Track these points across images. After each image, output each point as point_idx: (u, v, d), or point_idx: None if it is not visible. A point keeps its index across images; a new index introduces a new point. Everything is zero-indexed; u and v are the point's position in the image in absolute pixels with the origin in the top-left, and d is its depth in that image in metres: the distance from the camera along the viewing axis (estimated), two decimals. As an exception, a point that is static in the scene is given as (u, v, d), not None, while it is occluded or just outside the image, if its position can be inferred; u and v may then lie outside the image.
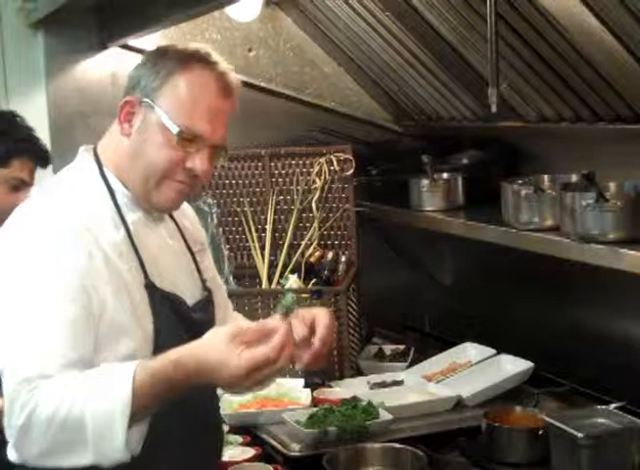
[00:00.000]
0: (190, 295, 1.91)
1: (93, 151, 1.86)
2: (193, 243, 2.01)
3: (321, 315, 1.81)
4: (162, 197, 1.83)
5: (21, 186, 2.50)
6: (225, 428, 2.52)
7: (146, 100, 1.78)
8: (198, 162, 1.80)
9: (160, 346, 1.74)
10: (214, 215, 3.17)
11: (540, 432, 2.20)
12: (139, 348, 1.74)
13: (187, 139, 1.78)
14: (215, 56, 1.84)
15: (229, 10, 3.35)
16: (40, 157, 2.60)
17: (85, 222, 1.73)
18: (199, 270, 1.98)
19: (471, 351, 2.91)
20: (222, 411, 2.53)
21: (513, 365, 2.73)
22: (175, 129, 1.76)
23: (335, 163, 3.16)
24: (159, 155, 1.79)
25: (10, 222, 1.77)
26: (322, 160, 3.16)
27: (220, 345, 1.60)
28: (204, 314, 1.94)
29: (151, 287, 1.79)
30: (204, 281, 1.97)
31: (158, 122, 1.78)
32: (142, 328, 1.76)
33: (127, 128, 1.81)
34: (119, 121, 1.81)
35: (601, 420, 2.13)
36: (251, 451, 2.37)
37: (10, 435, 1.64)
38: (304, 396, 2.65)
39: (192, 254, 1.98)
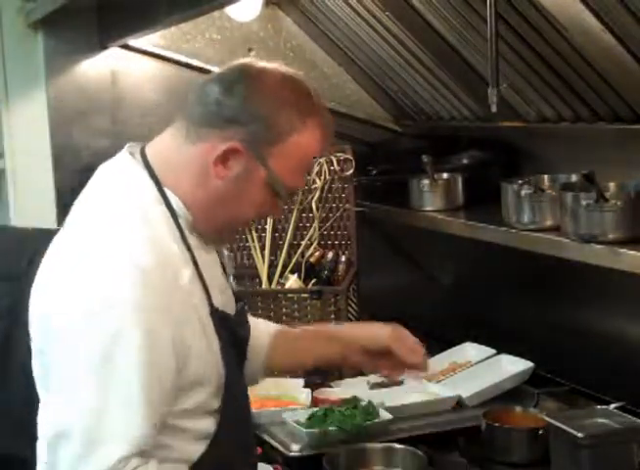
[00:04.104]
0: (230, 307, 1.80)
1: (143, 159, 1.67)
2: None
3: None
4: (232, 238, 1.79)
5: None
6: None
7: (255, 153, 1.61)
8: (279, 209, 1.75)
9: (228, 379, 1.67)
10: (214, 215, 3.16)
11: (540, 432, 2.20)
12: (213, 391, 1.65)
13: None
14: (319, 95, 1.71)
15: (229, 10, 3.35)
16: None
17: (162, 262, 1.55)
18: (225, 272, 1.85)
19: (471, 351, 2.91)
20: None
21: (513, 365, 2.72)
22: (284, 193, 1.67)
23: (335, 163, 3.16)
24: (251, 210, 1.69)
25: (74, 251, 1.57)
26: (322, 160, 3.16)
27: None
28: (245, 329, 1.86)
29: (214, 313, 1.67)
30: (231, 285, 1.87)
31: (262, 181, 1.64)
32: (217, 365, 1.66)
33: (222, 171, 1.63)
34: (215, 161, 1.62)
35: (601, 420, 2.13)
36: (251, 451, 2.37)
37: None
38: (304, 396, 2.65)
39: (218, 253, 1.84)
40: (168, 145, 1.68)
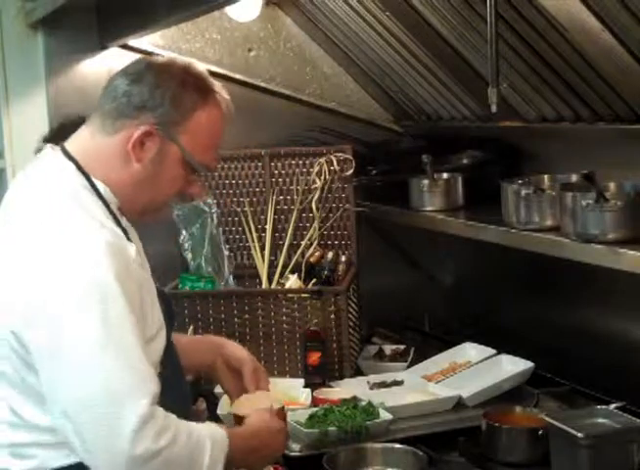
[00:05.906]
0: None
1: (65, 155, 1.79)
2: None
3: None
4: (156, 218, 1.90)
5: None
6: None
7: (166, 133, 1.77)
8: (200, 190, 1.89)
9: (167, 342, 1.81)
10: (214, 215, 3.17)
11: (540, 432, 2.20)
12: (162, 350, 1.79)
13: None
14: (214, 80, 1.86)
15: (229, 10, 3.35)
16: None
17: (114, 234, 1.70)
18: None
19: (471, 351, 2.91)
20: (221, 411, 2.53)
21: (513, 365, 2.72)
22: (200, 169, 1.82)
23: (335, 163, 3.16)
24: (171, 188, 1.83)
25: (32, 235, 1.68)
26: (322, 160, 3.16)
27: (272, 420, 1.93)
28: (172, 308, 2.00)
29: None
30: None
31: (177, 158, 1.79)
32: (163, 327, 1.80)
33: (140, 154, 1.78)
34: (132, 146, 1.77)
35: (601, 420, 2.13)
36: (251, 451, 2.36)
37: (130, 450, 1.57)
38: (304, 396, 2.65)
39: None
40: (86, 139, 1.82)
